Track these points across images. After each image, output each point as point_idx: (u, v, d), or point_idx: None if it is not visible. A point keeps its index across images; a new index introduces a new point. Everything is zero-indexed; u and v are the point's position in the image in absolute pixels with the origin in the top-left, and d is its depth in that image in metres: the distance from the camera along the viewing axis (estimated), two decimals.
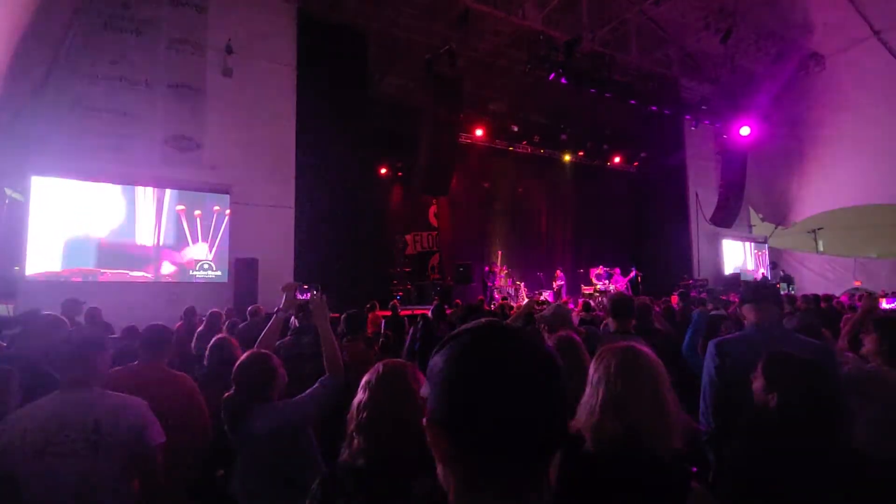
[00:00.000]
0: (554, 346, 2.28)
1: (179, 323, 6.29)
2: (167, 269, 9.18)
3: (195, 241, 9.50)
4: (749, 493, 1.66)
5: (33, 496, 1.91)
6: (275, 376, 2.39)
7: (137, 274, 8.89)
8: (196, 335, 4.59)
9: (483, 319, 0.75)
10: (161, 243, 9.19)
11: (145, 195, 9.14)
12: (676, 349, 3.38)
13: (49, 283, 7.96)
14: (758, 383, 1.89)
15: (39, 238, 8.20)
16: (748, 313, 2.61)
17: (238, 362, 2.38)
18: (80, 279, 8.32)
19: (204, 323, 5.19)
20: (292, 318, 4.19)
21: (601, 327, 4.25)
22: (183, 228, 9.41)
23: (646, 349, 1.58)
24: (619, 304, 3.25)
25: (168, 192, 9.34)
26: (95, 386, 2.12)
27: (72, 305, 5.80)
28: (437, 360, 0.72)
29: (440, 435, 0.69)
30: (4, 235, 8.20)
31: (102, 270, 8.58)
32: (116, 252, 8.76)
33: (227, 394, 2.35)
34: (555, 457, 0.71)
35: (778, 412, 1.76)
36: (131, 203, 8.99)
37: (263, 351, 2.50)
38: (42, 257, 8.19)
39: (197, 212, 9.54)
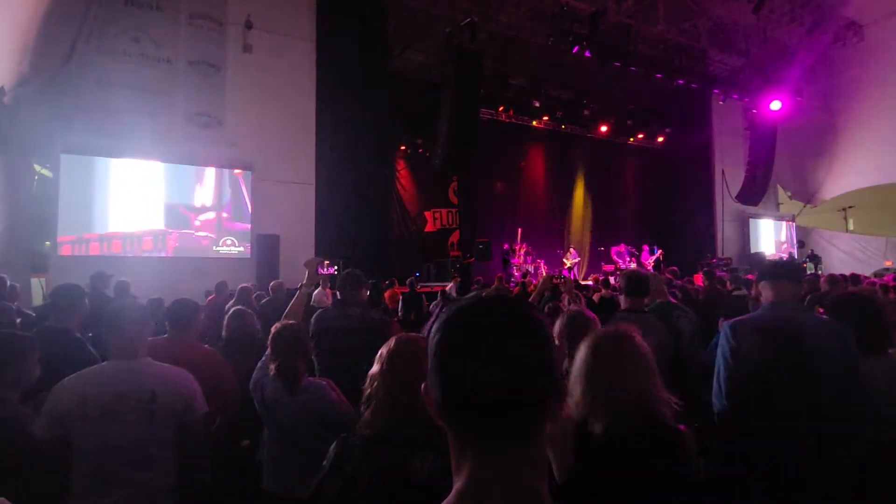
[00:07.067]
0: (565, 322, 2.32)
1: (211, 297, 6.42)
2: (193, 244, 9.35)
3: (219, 216, 9.64)
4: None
5: (87, 460, 1.98)
6: (304, 350, 2.43)
7: (165, 247, 9.09)
8: (226, 309, 4.67)
9: (485, 291, 0.78)
10: (187, 218, 9.36)
11: (171, 172, 9.26)
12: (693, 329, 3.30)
13: (78, 258, 8.16)
14: None
15: (69, 212, 8.39)
16: (764, 291, 2.51)
17: (271, 335, 2.41)
18: (107, 252, 8.53)
19: (234, 298, 5.30)
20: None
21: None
22: (208, 205, 9.55)
23: (635, 335, 1.68)
24: (631, 282, 3.14)
25: (192, 168, 9.46)
26: (142, 356, 2.18)
27: (100, 278, 5.93)
28: (433, 330, 0.75)
29: (430, 403, 0.73)
30: (35, 211, 8.39)
31: (127, 240, 8.78)
32: (145, 226, 8.95)
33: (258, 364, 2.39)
34: (541, 427, 0.72)
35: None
36: (158, 179, 9.11)
37: (292, 322, 2.52)
38: (71, 231, 8.40)
39: (224, 189, 9.66)
